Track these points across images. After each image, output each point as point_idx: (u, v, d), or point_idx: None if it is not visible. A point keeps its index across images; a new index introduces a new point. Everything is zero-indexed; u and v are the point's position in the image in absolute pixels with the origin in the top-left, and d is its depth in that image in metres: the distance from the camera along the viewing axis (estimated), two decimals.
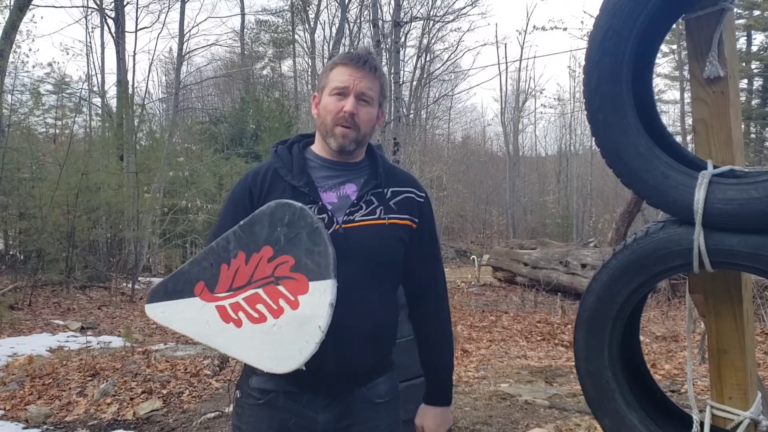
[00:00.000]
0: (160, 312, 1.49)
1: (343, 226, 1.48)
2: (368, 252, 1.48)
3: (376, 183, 1.54)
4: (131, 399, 4.73)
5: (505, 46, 57.21)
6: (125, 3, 17.79)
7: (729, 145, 1.61)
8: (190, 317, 1.45)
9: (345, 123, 1.49)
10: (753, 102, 18.78)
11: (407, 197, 1.56)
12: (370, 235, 1.49)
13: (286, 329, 1.36)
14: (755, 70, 18.58)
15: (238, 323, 1.40)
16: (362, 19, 22.35)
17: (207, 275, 1.45)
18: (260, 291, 1.39)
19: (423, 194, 1.61)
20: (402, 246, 1.52)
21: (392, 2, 15.69)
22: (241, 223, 1.43)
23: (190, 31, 22.64)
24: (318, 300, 1.34)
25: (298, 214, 1.39)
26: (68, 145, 12.56)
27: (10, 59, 13.13)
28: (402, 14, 15.86)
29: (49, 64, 21.55)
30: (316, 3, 23.58)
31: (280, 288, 1.37)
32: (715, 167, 1.55)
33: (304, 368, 1.36)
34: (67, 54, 35.62)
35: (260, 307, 1.39)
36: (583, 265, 10.60)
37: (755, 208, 1.44)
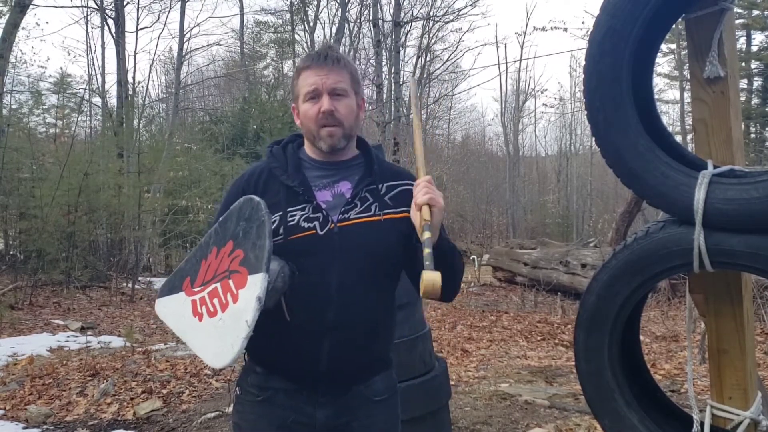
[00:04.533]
0: (162, 307, 1.53)
1: (339, 224, 1.47)
2: (364, 250, 1.47)
3: (371, 180, 1.53)
4: (131, 399, 4.73)
5: (505, 46, 57.15)
6: (125, 3, 17.82)
7: (729, 145, 1.62)
8: (176, 311, 1.48)
9: (327, 122, 1.48)
10: (753, 102, 18.78)
11: (403, 189, 1.56)
12: (366, 232, 1.48)
13: (227, 323, 1.36)
14: (755, 70, 18.58)
15: (201, 317, 1.42)
16: (362, 19, 22.35)
17: (192, 270, 1.48)
18: (218, 285, 1.40)
19: None
20: (400, 241, 1.51)
21: (392, 2, 15.71)
22: (220, 219, 1.45)
23: (190, 31, 22.67)
24: (250, 294, 1.33)
25: (255, 208, 1.39)
26: (70, 145, 12.55)
27: (11, 59, 13.14)
28: (402, 14, 15.86)
29: (47, 59, 21.52)
30: (316, 3, 23.59)
31: (230, 282, 1.38)
32: (715, 167, 1.55)
33: (245, 361, 1.34)
34: (68, 54, 35.59)
35: (215, 301, 1.40)
36: (583, 265, 10.59)
37: (755, 208, 1.44)
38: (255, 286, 1.32)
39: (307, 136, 1.56)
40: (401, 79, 13.24)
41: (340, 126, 1.50)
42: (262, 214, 1.37)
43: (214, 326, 1.38)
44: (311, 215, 1.47)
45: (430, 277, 1.30)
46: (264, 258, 1.33)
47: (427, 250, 1.34)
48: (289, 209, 1.47)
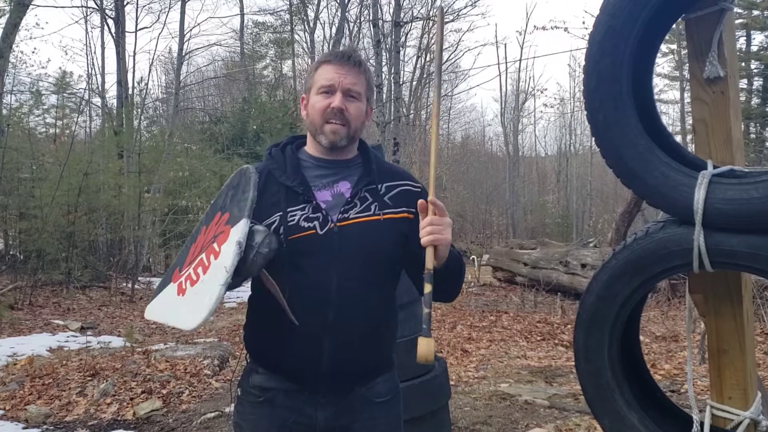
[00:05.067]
0: (150, 311, 1.52)
1: (338, 224, 1.47)
2: (364, 249, 1.48)
3: (370, 179, 1.54)
4: (131, 399, 4.73)
5: (505, 47, 57.22)
6: (125, 3, 17.80)
7: (729, 145, 1.62)
8: (164, 303, 1.47)
9: (334, 119, 1.49)
10: (753, 102, 18.77)
11: (402, 190, 1.56)
12: (366, 232, 1.48)
13: (207, 280, 1.34)
14: (755, 70, 18.57)
15: (184, 292, 1.40)
16: (362, 19, 22.39)
17: (181, 259, 1.48)
18: (203, 255, 1.40)
19: (419, 185, 1.60)
20: (400, 241, 1.52)
21: (392, 2, 15.71)
22: (211, 202, 1.48)
23: (190, 31, 22.67)
24: (230, 242, 1.31)
25: (242, 173, 1.41)
26: (70, 145, 12.54)
27: (11, 59, 13.14)
28: (402, 14, 15.86)
29: (48, 61, 21.56)
30: (316, 3, 23.59)
31: (214, 245, 1.37)
32: (715, 167, 1.55)
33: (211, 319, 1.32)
34: (66, 54, 35.62)
35: (199, 269, 1.38)
36: (583, 265, 10.59)
37: (755, 208, 1.44)
38: (236, 233, 1.31)
39: (310, 129, 1.56)
40: (401, 80, 13.23)
41: (346, 126, 1.50)
42: (250, 173, 1.38)
43: (194, 292, 1.36)
44: (311, 215, 1.47)
45: (424, 349, 1.32)
46: (246, 207, 1.32)
47: (426, 310, 1.35)
48: (288, 209, 1.47)
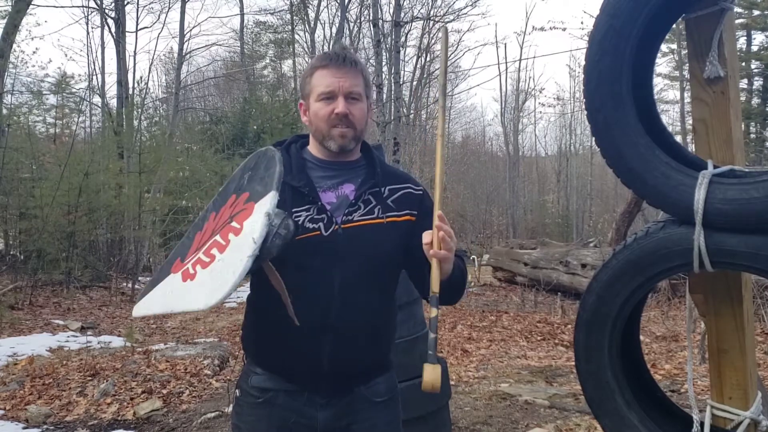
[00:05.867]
0: (140, 308, 1.46)
1: (343, 226, 1.47)
2: (367, 251, 1.48)
3: (374, 182, 1.54)
4: (131, 399, 4.73)
5: (505, 47, 57.17)
6: (126, 2, 17.81)
7: (729, 145, 1.61)
8: (162, 294, 1.42)
9: (340, 124, 1.49)
10: (753, 102, 18.76)
11: (405, 193, 1.57)
12: (369, 234, 1.49)
13: (228, 258, 1.29)
14: (755, 70, 18.56)
15: (193, 276, 1.34)
16: (362, 19, 22.37)
17: (183, 249, 1.45)
18: (217, 237, 1.36)
19: (420, 187, 1.61)
20: (402, 244, 1.52)
21: (392, 2, 15.70)
22: (219, 190, 1.45)
23: (190, 30, 22.70)
24: (257, 215, 1.27)
25: (265, 154, 1.38)
26: (70, 145, 12.54)
27: (11, 59, 13.14)
28: (402, 14, 15.85)
29: (49, 61, 21.59)
30: (316, 3, 23.59)
31: (233, 224, 1.33)
32: (715, 167, 1.55)
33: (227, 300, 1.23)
34: (66, 54, 35.60)
35: (213, 250, 1.34)
36: (583, 265, 10.59)
37: (755, 208, 1.44)
38: (263, 206, 1.26)
39: (315, 135, 1.55)
40: (401, 80, 13.24)
41: (353, 128, 1.50)
42: (272, 151, 1.35)
43: (210, 272, 1.30)
44: (316, 216, 1.47)
45: (430, 377, 1.31)
46: (274, 181, 1.28)
47: (431, 336, 1.33)
48: (294, 209, 1.47)
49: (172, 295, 1.38)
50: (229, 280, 1.22)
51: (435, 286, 1.35)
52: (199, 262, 1.35)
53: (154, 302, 1.44)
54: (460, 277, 1.49)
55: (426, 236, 1.39)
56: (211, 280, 1.28)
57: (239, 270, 1.22)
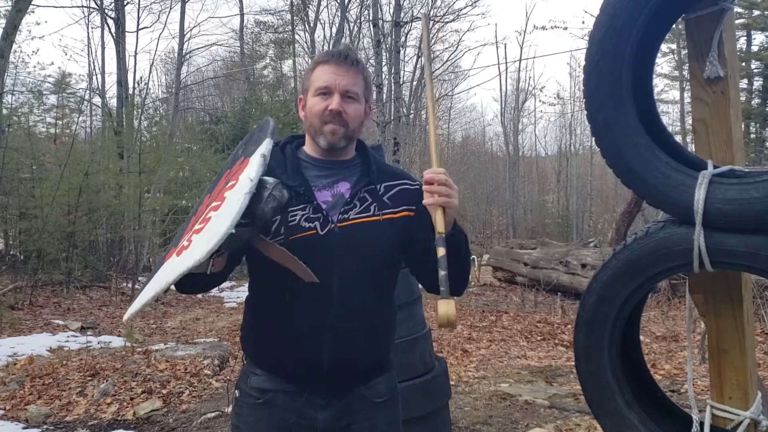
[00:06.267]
0: (131, 310, 1.37)
1: (339, 225, 1.47)
2: (364, 249, 1.47)
3: (369, 180, 1.54)
4: (131, 399, 4.73)
5: (505, 46, 57.21)
6: (126, 3, 17.81)
7: (729, 145, 1.62)
8: (150, 286, 1.36)
9: (332, 121, 1.48)
10: (753, 102, 18.75)
11: (401, 189, 1.56)
12: (365, 232, 1.48)
13: (223, 210, 1.24)
14: (755, 70, 18.55)
15: (188, 246, 1.28)
16: (362, 19, 22.39)
17: (177, 238, 1.44)
18: (213, 203, 1.34)
19: (416, 182, 1.60)
20: (399, 240, 1.52)
21: (392, 2, 15.71)
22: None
23: (190, 31, 22.68)
24: (252, 162, 1.25)
25: (260, 126, 1.39)
26: (70, 145, 12.54)
27: (11, 59, 13.14)
28: (402, 14, 15.85)
29: (51, 63, 21.58)
30: (316, 3, 23.59)
31: (224, 193, 1.31)
32: (715, 167, 1.55)
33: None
34: (65, 54, 35.57)
35: (210, 214, 1.30)
36: (583, 265, 10.59)
37: (755, 208, 1.44)
38: (258, 151, 1.26)
39: (308, 131, 1.55)
40: (401, 80, 13.24)
41: (345, 127, 1.50)
42: (267, 118, 1.38)
43: (201, 235, 1.25)
44: (312, 215, 1.47)
45: (445, 311, 1.27)
46: (269, 131, 1.28)
47: (442, 273, 1.31)
48: (289, 209, 1.46)
49: (158, 278, 1.32)
50: (225, 222, 1.16)
51: (440, 227, 1.35)
52: (194, 232, 1.31)
53: (143, 297, 1.35)
54: (465, 249, 1.47)
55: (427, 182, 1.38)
56: (208, 232, 1.22)
57: (236, 209, 1.16)
